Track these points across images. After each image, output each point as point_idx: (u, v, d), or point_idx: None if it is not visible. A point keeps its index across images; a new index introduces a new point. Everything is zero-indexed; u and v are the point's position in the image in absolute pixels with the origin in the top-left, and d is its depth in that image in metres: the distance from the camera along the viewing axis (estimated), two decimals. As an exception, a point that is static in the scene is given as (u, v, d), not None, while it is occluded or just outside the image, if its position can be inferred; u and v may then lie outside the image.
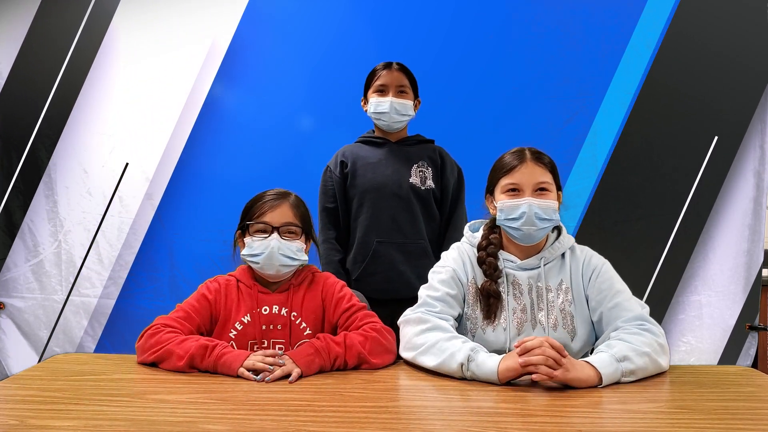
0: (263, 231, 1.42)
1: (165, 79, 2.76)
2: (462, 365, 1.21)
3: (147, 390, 1.16)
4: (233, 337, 1.40)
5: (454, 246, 1.50)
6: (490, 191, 1.46)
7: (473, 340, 1.34)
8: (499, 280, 1.40)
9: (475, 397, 1.12)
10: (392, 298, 1.84)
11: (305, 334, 1.41)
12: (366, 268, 1.93)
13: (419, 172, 1.96)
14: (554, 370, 1.13)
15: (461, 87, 2.67)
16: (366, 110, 2.00)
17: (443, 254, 1.51)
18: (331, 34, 2.73)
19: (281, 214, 1.42)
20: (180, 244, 2.74)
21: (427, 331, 1.31)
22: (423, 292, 1.42)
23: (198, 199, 2.74)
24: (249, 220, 1.44)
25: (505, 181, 1.39)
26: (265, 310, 1.42)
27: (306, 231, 1.46)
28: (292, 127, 2.73)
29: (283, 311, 1.42)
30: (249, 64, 2.75)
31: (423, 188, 1.95)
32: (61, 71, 2.78)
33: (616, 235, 2.64)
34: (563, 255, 1.43)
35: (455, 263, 1.44)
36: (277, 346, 1.39)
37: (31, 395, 1.10)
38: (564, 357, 1.15)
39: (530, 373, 1.15)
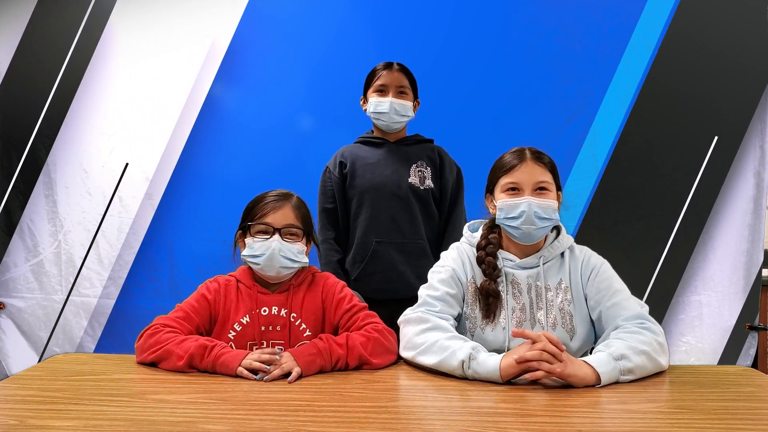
0: (264, 232, 1.41)
1: (165, 78, 2.76)
2: (463, 363, 1.21)
3: (147, 390, 1.16)
4: (232, 338, 1.40)
5: (454, 246, 1.50)
6: (489, 191, 1.46)
7: (472, 340, 1.34)
8: (499, 280, 1.40)
9: (475, 397, 1.12)
10: (392, 298, 1.84)
11: (305, 335, 1.41)
12: (365, 268, 1.93)
13: (418, 171, 1.96)
14: (551, 364, 1.14)
15: (461, 87, 2.68)
16: (365, 110, 2.00)
17: (443, 254, 1.51)
18: (331, 34, 2.73)
19: (283, 216, 1.42)
20: (180, 244, 2.74)
21: (428, 330, 1.31)
22: (423, 291, 1.42)
23: (198, 199, 2.74)
24: (250, 220, 1.43)
25: (504, 180, 1.39)
26: (265, 311, 1.42)
27: (307, 233, 1.46)
28: (292, 127, 2.73)
29: (283, 312, 1.42)
30: (249, 64, 2.75)
31: (422, 188, 1.95)
32: (62, 71, 2.78)
33: (616, 235, 2.64)
34: (562, 254, 1.43)
35: (454, 263, 1.44)
36: (276, 348, 1.39)
37: (31, 395, 1.10)
38: (562, 351, 1.15)
39: (532, 370, 1.15)
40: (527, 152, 1.40)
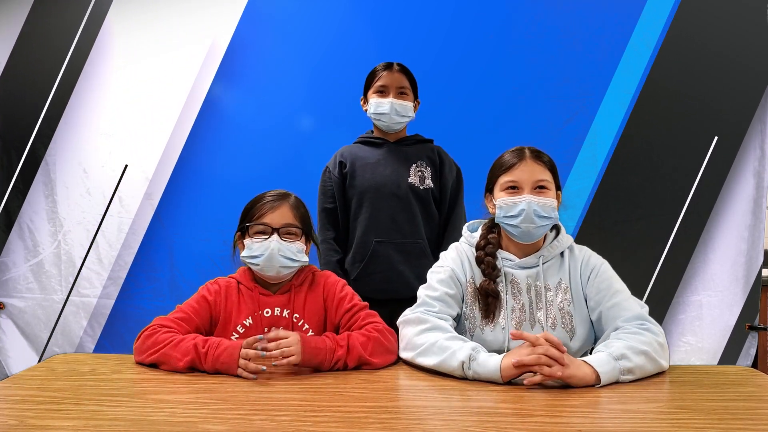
0: (263, 232, 1.41)
1: (164, 78, 2.76)
2: (463, 363, 1.21)
3: (147, 390, 1.16)
4: (235, 340, 1.39)
5: (453, 246, 1.50)
6: (489, 190, 1.46)
7: (472, 340, 1.34)
8: (498, 280, 1.40)
9: (475, 397, 1.12)
10: (391, 298, 1.84)
11: (308, 336, 1.41)
12: (365, 268, 1.93)
13: (418, 171, 1.96)
14: (551, 367, 1.13)
15: (461, 87, 2.67)
16: (365, 110, 2.00)
17: (442, 254, 1.51)
18: (331, 34, 2.73)
19: (281, 216, 1.42)
20: (180, 244, 2.74)
21: (427, 331, 1.31)
22: (422, 291, 1.42)
23: (198, 199, 2.74)
24: (248, 221, 1.43)
25: (504, 179, 1.39)
26: (267, 312, 1.41)
27: (306, 232, 1.46)
28: (292, 127, 2.72)
29: (285, 313, 1.42)
30: (248, 64, 2.75)
31: (422, 188, 1.95)
32: (61, 71, 2.78)
33: (616, 235, 2.64)
34: (562, 254, 1.43)
35: (454, 263, 1.44)
36: (265, 329, 1.38)
37: (31, 395, 1.10)
38: (563, 352, 1.15)
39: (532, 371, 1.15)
40: (526, 151, 1.40)
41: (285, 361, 1.22)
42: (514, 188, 1.38)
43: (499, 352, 1.28)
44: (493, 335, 1.38)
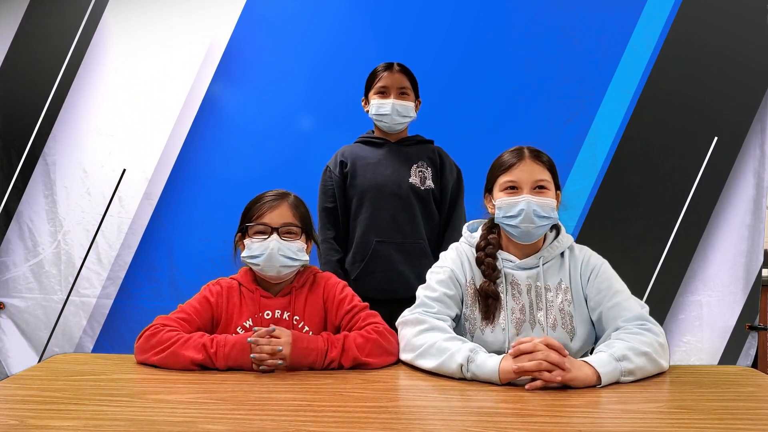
0: (262, 232, 1.41)
1: (164, 78, 2.76)
2: (462, 366, 1.21)
3: (147, 390, 1.16)
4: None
5: (453, 246, 1.50)
6: (488, 190, 1.46)
7: (472, 341, 1.34)
8: (498, 281, 1.40)
9: (475, 397, 1.12)
10: (391, 298, 1.84)
11: (301, 335, 1.41)
12: (365, 267, 1.93)
13: (419, 172, 1.96)
14: (552, 372, 1.13)
15: (461, 87, 2.68)
16: (367, 111, 2.00)
17: (442, 254, 1.50)
18: (331, 34, 2.73)
19: (280, 215, 1.42)
20: (179, 244, 2.74)
21: (425, 331, 1.31)
22: (421, 292, 1.42)
23: (197, 199, 2.74)
24: (248, 221, 1.43)
25: (503, 179, 1.39)
26: (268, 314, 1.41)
27: (306, 231, 1.46)
28: (292, 127, 2.73)
29: (285, 315, 1.42)
30: (247, 63, 2.75)
31: (422, 188, 1.95)
32: (61, 71, 2.78)
33: (616, 235, 2.64)
34: (562, 254, 1.43)
35: (453, 264, 1.44)
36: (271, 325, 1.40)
37: (31, 395, 1.10)
38: (564, 356, 1.15)
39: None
40: (525, 151, 1.40)
41: (271, 362, 1.24)
42: (513, 188, 1.38)
43: (499, 352, 1.28)
44: (493, 336, 1.38)
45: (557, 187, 1.43)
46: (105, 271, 2.75)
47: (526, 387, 1.14)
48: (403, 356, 1.35)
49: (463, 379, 1.22)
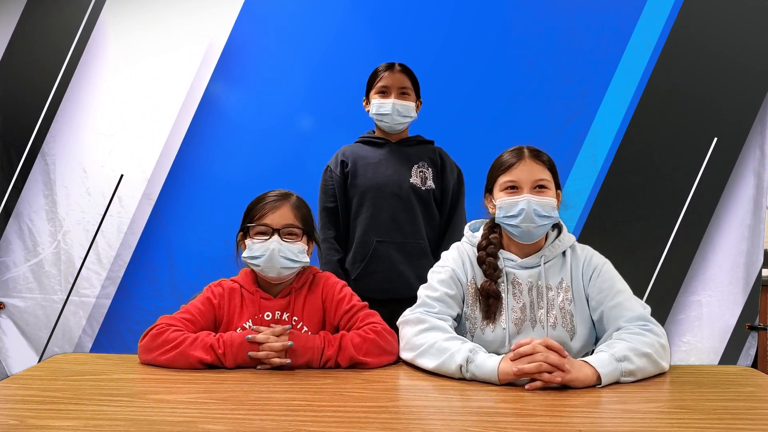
0: (264, 233, 1.41)
1: (164, 78, 2.76)
2: (461, 367, 1.20)
3: (147, 390, 1.16)
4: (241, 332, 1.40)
5: (454, 246, 1.50)
6: (489, 190, 1.46)
7: (473, 340, 1.34)
8: (499, 280, 1.40)
9: (475, 397, 1.12)
10: (392, 298, 1.84)
11: (298, 333, 1.41)
12: (366, 267, 1.93)
13: (420, 172, 1.96)
14: (551, 373, 1.13)
15: (461, 87, 2.68)
16: (368, 111, 2.00)
17: (443, 254, 1.50)
18: (330, 34, 2.73)
19: (281, 216, 1.42)
20: (179, 244, 2.74)
21: (426, 331, 1.31)
22: (422, 292, 1.42)
23: (197, 199, 2.74)
24: (249, 222, 1.43)
25: (503, 179, 1.39)
26: (267, 315, 1.42)
27: (307, 232, 1.46)
28: (292, 127, 2.73)
29: (285, 316, 1.42)
30: (247, 63, 2.75)
31: (423, 188, 1.95)
32: (61, 71, 2.78)
33: (616, 235, 2.64)
34: (564, 253, 1.42)
35: (455, 263, 1.44)
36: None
37: (31, 395, 1.10)
38: (564, 358, 1.15)
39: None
40: (525, 150, 1.40)
41: (278, 360, 1.26)
42: (513, 188, 1.38)
43: (499, 352, 1.28)
44: (493, 335, 1.38)
45: (558, 187, 1.43)
46: (105, 271, 2.75)
47: (526, 387, 1.14)
48: (404, 355, 1.35)
49: (462, 379, 1.22)
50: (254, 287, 1.45)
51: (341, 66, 2.68)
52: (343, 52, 2.70)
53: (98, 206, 2.77)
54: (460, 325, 1.43)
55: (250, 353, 1.27)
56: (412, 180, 1.94)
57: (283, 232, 1.41)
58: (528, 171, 1.37)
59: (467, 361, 1.20)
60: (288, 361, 1.27)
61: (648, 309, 1.33)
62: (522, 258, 1.41)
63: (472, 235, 1.49)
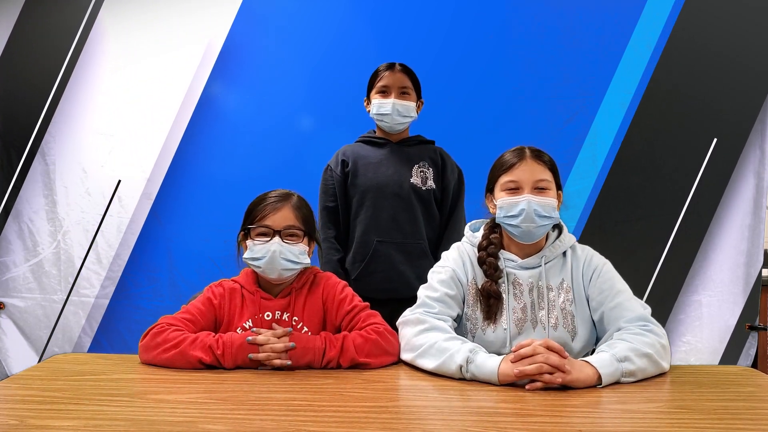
0: (265, 234, 1.41)
1: (163, 78, 2.76)
2: (461, 367, 1.20)
3: (147, 390, 1.16)
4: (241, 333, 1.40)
5: (455, 246, 1.50)
6: (489, 190, 1.46)
7: (473, 341, 1.34)
8: (500, 280, 1.40)
9: (475, 397, 1.12)
10: (392, 298, 1.84)
11: (299, 334, 1.41)
12: (366, 267, 1.93)
13: (420, 172, 1.96)
14: (552, 374, 1.13)
15: (461, 87, 2.68)
16: (368, 111, 2.00)
17: (443, 254, 1.50)
18: (330, 34, 2.73)
19: (283, 217, 1.42)
20: (179, 244, 2.74)
21: (425, 331, 1.31)
22: (422, 292, 1.42)
23: (197, 199, 2.74)
24: (250, 223, 1.43)
25: (504, 179, 1.39)
26: (268, 315, 1.42)
27: (308, 233, 1.46)
28: (292, 127, 2.73)
29: (285, 316, 1.42)
30: (245, 63, 2.75)
31: (424, 189, 1.95)
32: (61, 71, 2.78)
33: (616, 235, 2.64)
34: (564, 254, 1.42)
35: (455, 263, 1.44)
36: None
37: (31, 395, 1.10)
38: (565, 359, 1.15)
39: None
40: (527, 151, 1.40)
41: (279, 362, 1.27)
42: (514, 188, 1.38)
43: (500, 352, 1.28)
44: (494, 336, 1.38)
45: (558, 187, 1.43)
46: (105, 270, 2.75)
47: (527, 387, 1.14)
48: (404, 356, 1.35)
49: (462, 379, 1.22)
50: (255, 287, 1.45)
51: (341, 66, 2.68)
52: (343, 52, 2.70)
53: (98, 206, 2.77)
54: (460, 326, 1.43)
55: (251, 355, 1.27)
56: (412, 180, 1.94)
57: (285, 234, 1.41)
58: (529, 171, 1.37)
59: (467, 362, 1.20)
60: (289, 362, 1.27)
61: (648, 309, 1.33)
62: (522, 258, 1.41)
63: (472, 235, 1.49)
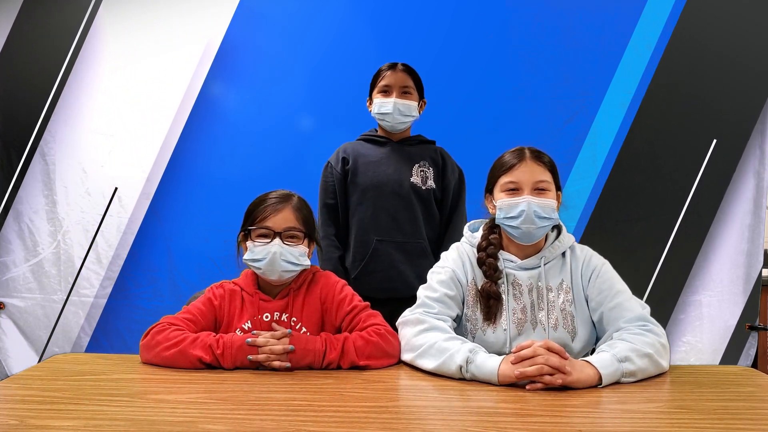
0: (265, 236, 1.41)
1: (163, 78, 2.76)
2: (461, 367, 1.20)
3: (147, 390, 1.16)
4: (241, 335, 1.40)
5: (454, 246, 1.50)
6: (489, 190, 1.46)
7: (473, 341, 1.34)
8: (499, 281, 1.39)
9: (475, 397, 1.12)
10: (391, 297, 1.84)
11: (300, 336, 1.41)
12: (365, 266, 1.93)
13: (420, 172, 1.96)
14: (553, 375, 1.13)
15: (461, 87, 2.68)
16: (371, 110, 2.00)
17: (443, 255, 1.50)
18: (330, 33, 2.73)
19: (283, 219, 1.41)
20: (179, 244, 2.74)
21: (425, 331, 1.31)
22: (421, 292, 1.42)
23: (197, 199, 2.74)
24: (251, 224, 1.43)
25: (504, 180, 1.39)
26: (267, 316, 1.42)
27: (309, 234, 1.46)
28: (292, 127, 2.73)
29: (283, 317, 1.42)
30: (244, 62, 2.75)
31: (424, 188, 1.95)
32: (61, 71, 2.78)
33: (616, 235, 2.64)
34: (563, 254, 1.42)
35: (455, 264, 1.44)
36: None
37: (31, 395, 1.09)
38: (565, 359, 1.15)
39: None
40: (527, 151, 1.40)
41: (278, 364, 1.27)
42: (514, 189, 1.38)
43: (500, 353, 1.28)
44: (494, 336, 1.38)
45: (558, 188, 1.43)
46: (104, 270, 2.75)
47: (527, 388, 1.14)
48: (404, 356, 1.35)
49: (462, 379, 1.22)
50: (254, 289, 1.45)
51: (340, 65, 2.68)
52: (343, 52, 2.70)
53: (98, 206, 2.77)
54: (460, 326, 1.43)
55: (250, 357, 1.27)
56: (412, 179, 1.94)
57: (285, 235, 1.40)
58: (529, 172, 1.37)
59: (467, 362, 1.20)
60: (288, 364, 1.26)
61: (647, 309, 1.33)
62: (522, 259, 1.41)
63: (471, 236, 1.48)
